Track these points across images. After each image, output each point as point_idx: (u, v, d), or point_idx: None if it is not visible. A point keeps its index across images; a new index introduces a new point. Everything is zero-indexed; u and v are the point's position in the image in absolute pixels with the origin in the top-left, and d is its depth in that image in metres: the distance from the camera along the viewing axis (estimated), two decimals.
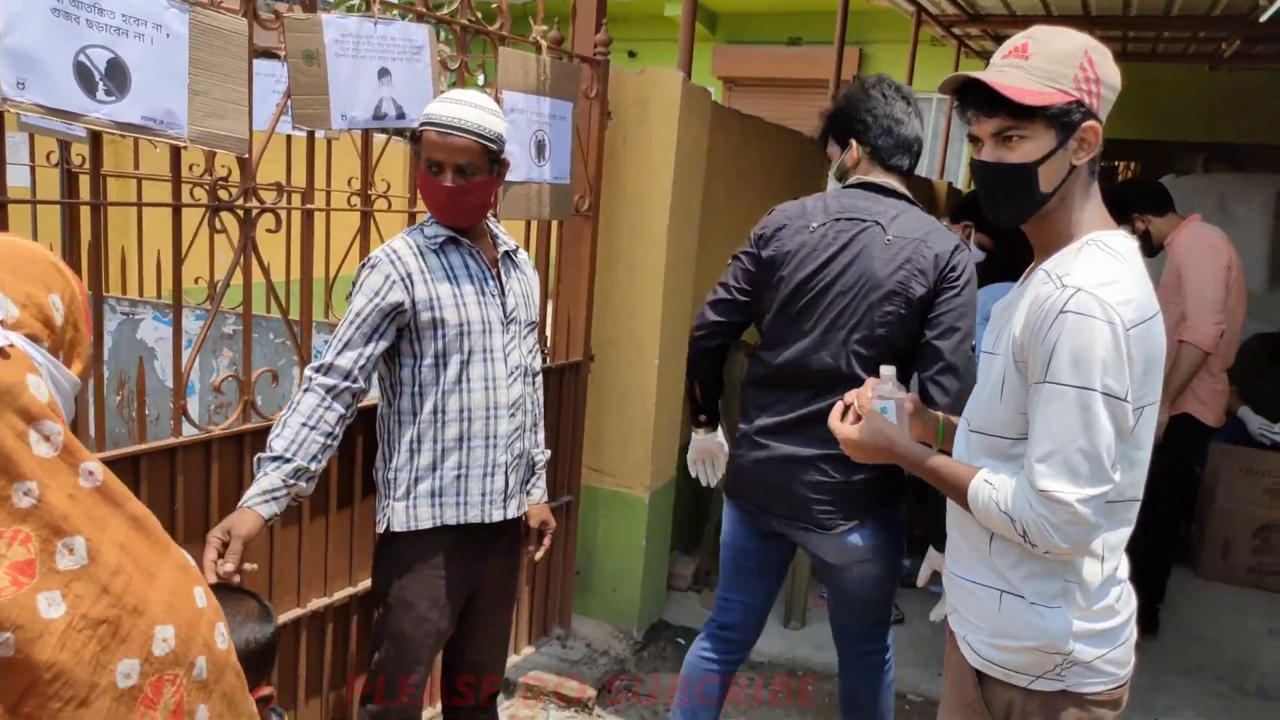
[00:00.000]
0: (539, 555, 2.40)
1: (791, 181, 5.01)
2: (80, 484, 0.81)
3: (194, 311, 3.70)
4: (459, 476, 2.13)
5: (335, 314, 2.92)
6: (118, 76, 1.80)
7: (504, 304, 2.17)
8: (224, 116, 2.02)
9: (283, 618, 2.30)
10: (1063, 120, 1.40)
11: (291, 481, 1.94)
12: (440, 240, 2.11)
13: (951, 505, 1.58)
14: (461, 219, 2.11)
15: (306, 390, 2.00)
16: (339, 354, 2.02)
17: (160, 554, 0.88)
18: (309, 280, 2.38)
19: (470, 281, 2.12)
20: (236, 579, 1.79)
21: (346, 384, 2.01)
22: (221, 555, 1.79)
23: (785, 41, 11.15)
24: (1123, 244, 1.44)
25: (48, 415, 0.82)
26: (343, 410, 2.02)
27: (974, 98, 1.43)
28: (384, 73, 2.37)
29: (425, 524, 2.12)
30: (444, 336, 2.07)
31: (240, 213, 2.14)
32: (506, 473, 2.19)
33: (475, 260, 2.15)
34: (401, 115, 2.42)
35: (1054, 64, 1.39)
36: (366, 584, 2.49)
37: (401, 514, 2.12)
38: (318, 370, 2.02)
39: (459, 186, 2.03)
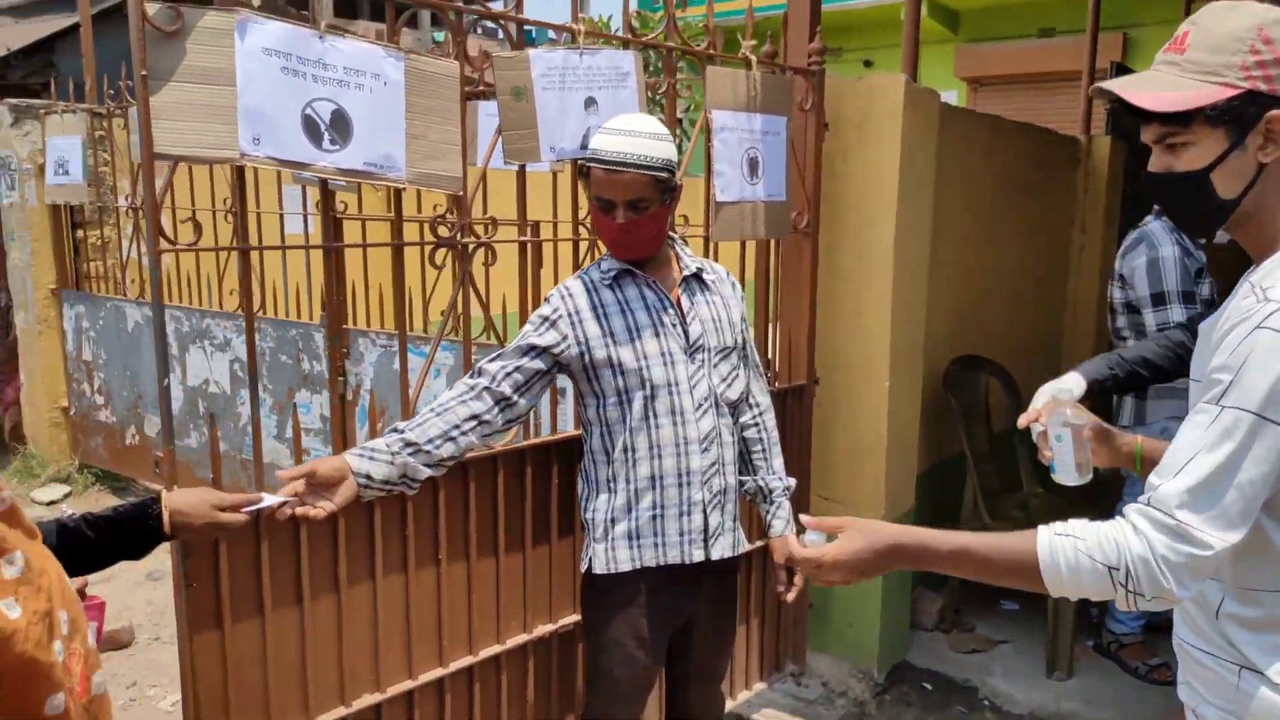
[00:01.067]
0: (790, 596, 2.20)
1: (1044, 184, 4.61)
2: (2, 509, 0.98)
3: (441, 344, 3.93)
4: (654, 517, 2.06)
5: None
6: (341, 126, 1.91)
7: (686, 332, 2.08)
8: (440, 158, 2.10)
9: (482, 654, 2.34)
10: (1231, 117, 1.18)
11: (397, 450, 1.87)
12: (614, 274, 2.06)
13: None
14: (636, 252, 2.05)
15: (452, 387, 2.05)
16: (491, 360, 2.03)
17: (43, 551, 1.02)
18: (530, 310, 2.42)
19: (647, 313, 2.05)
20: (286, 511, 1.71)
21: (487, 384, 1.99)
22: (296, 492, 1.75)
23: (1035, 34, 10.41)
24: None
25: None
26: (479, 409, 1.97)
27: (1126, 104, 1.23)
28: (590, 102, 2.38)
29: (624, 566, 2.07)
30: (622, 373, 2.03)
31: (458, 248, 2.21)
32: (705, 510, 2.09)
33: (652, 290, 2.07)
34: None
35: (1215, 54, 1.18)
36: (566, 620, 2.50)
37: (601, 556, 2.08)
38: (469, 372, 2.05)
39: (631, 222, 1.98)
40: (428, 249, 2.24)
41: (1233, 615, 1.22)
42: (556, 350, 2.03)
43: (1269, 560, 1.19)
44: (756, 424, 2.26)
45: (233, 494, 1.64)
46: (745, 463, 2.27)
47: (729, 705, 2.90)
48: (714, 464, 2.11)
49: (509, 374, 2.01)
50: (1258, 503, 1.12)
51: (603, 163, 1.95)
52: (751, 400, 2.26)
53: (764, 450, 2.27)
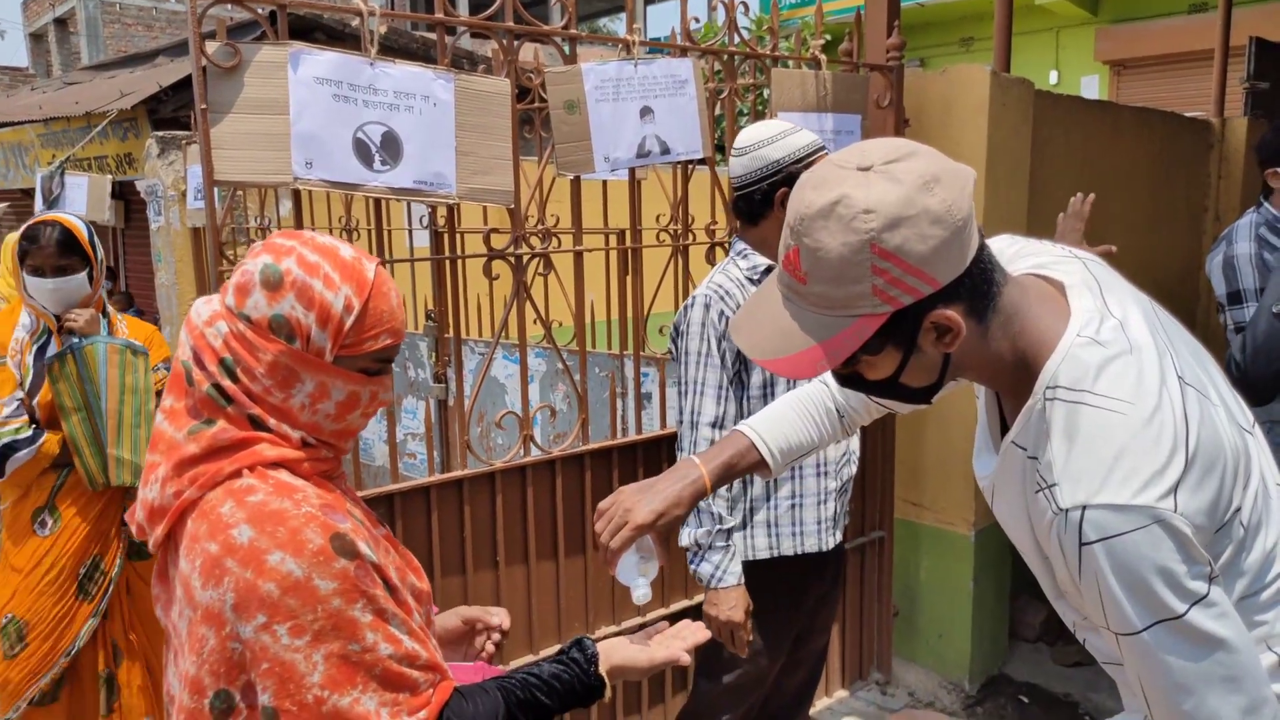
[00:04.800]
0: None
1: (1170, 172, 4.32)
2: None
3: (534, 350, 4.04)
4: (793, 506, 2.14)
5: (653, 347, 3.03)
6: (391, 147, 2.02)
7: None
8: (490, 172, 2.17)
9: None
10: (890, 338, 1.00)
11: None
12: (761, 270, 2.11)
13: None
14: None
15: None
16: (716, 402, 2.05)
17: None
18: (581, 316, 2.47)
19: None
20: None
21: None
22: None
23: (1186, 10, 9.76)
24: (1090, 360, 0.99)
25: None
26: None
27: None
28: (646, 111, 2.42)
29: (763, 554, 2.14)
30: None
31: (511, 260, 2.29)
32: (836, 499, 2.19)
33: None
34: (666, 150, 2.45)
35: (838, 286, 0.97)
36: (678, 605, 2.63)
37: (739, 544, 2.12)
38: (713, 426, 2.05)
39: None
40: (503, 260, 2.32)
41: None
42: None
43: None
44: None
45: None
46: None
47: (810, 710, 2.88)
48: (845, 453, 2.22)
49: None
50: (1249, 654, 0.96)
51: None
52: None
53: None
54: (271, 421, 1.12)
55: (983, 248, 1.01)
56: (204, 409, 1.11)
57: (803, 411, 1.51)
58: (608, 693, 1.25)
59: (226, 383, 1.10)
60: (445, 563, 2.22)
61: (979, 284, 1.00)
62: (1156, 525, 0.91)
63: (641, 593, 1.34)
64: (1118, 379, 0.97)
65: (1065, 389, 0.99)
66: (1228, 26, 4.96)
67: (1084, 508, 0.93)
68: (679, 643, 1.33)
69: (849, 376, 1.09)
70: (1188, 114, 4.60)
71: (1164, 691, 0.96)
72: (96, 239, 2.46)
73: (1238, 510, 1.00)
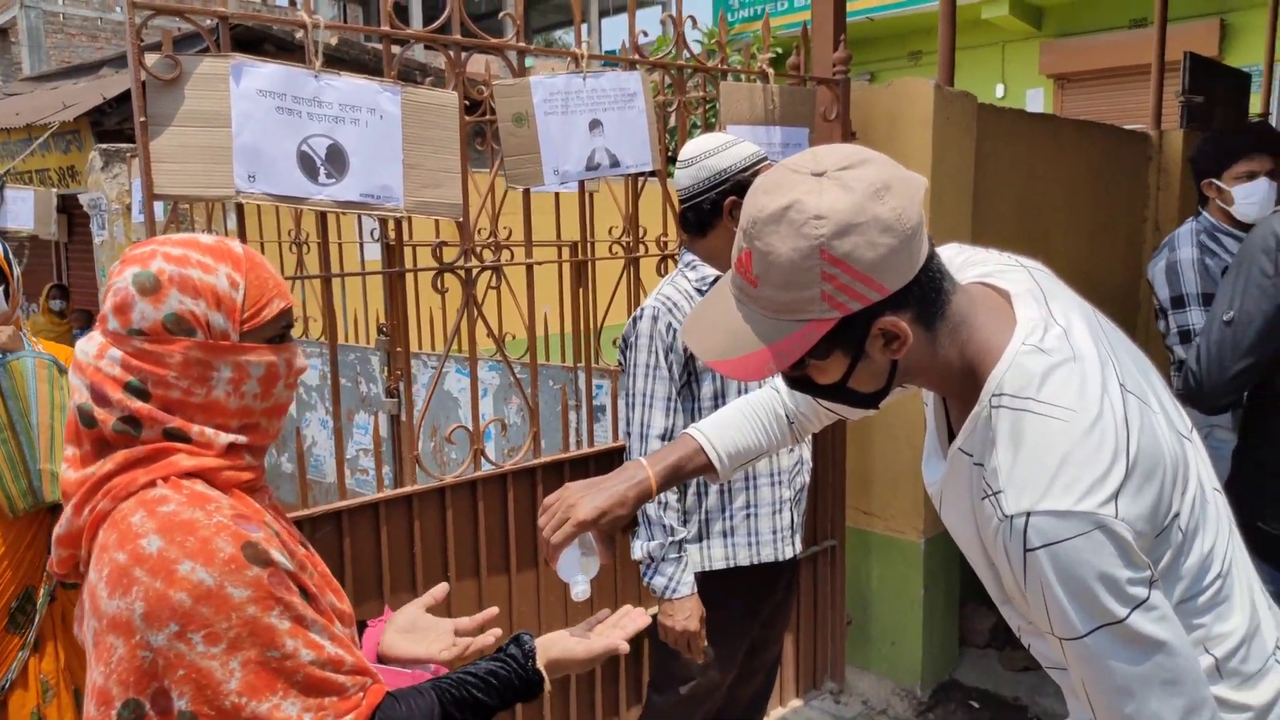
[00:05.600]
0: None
1: (1111, 183, 4.43)
2: None
3: (487, 364, 4.02)
4: (749, 515, 2.15)
5: (605, 360, 3.03)
6: (337, 160, 2.00)
7: None
8: (438, 185, 2.16)
9: None
10: (838, 343, 1.02)
11: None
12: (709, 281, 2.13)
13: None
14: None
15: None
16: (665, 414, 2.06)
17: None
18: (533, 329, 2.47)
19: None
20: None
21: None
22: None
23: (1126, 25, 10.03)
24: (1034, 368, 1.00)
25: None
26: None
27: None
28: (595, 124, 2.42)
29: (719, 564, 2.15)
30: (720, 376, 2.09)
31: (461, 273, 2.28)
32: (791, 508, 2.21)
33: None
34: (616, 163, 2.46)
35: (787, 290, 0.98)
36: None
37: (695, 555, 2.13)
38: (662, 439, 2.07)
39: None
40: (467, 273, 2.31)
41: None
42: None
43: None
44: None
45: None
46: None
47: None
48: (798, 462, 2.23)
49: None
50: (1189, 658, 0.98)
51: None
52: None
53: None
54: (194, 429, 1.11)
55: (932, 256, 1.03)
56: (114, 444, 1.10)
57: (751, 416, 1.52)
58: (547, 686, 1.25)
59: (136, 405, 1.09)
60: (395, 579, 2.20)
61: (927, 292, 1.02)
62: (1098, 531, 0.93)
63: (580, 589, 1.33)
64: (1061, 387, 0.99)
65: (1010, 396, 1.00)
66: (1163, 42, 5.10)
67: (1028, 514, 0.95)
68: (618, 632, 1.33)
69: (798, 380, 1.10)
70: (1128, 126, 4.72)
71: (1107, 695, 0.98)
72: (12, 255, 2.39)
73: (1176, 515, 1.02)
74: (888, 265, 0.97)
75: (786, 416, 1.54)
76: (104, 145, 5.23)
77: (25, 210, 5.97)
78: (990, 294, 1.11)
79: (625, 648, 1.31)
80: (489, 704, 1.19)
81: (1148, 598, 0.95)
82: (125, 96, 5.92)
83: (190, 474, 1.10)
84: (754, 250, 0.99)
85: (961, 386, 1.07)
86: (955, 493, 1.10)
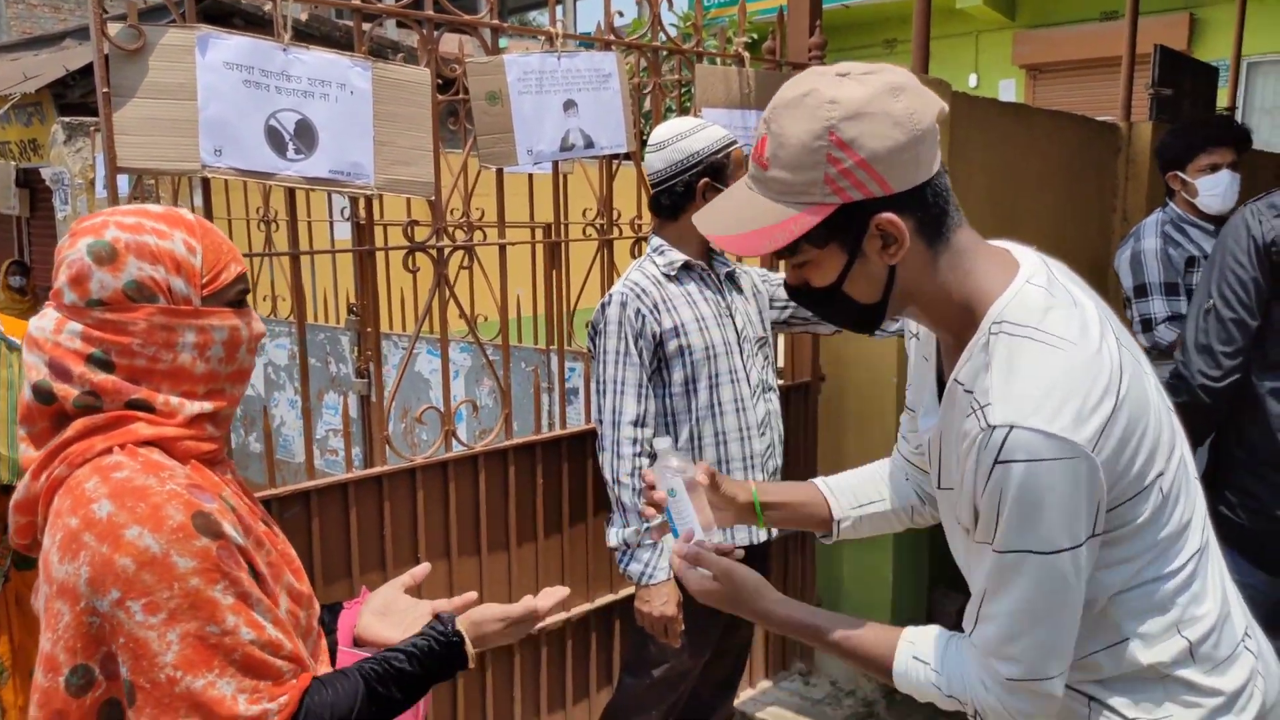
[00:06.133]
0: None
1: (1081, 173, 4.47)
2: None
3: (459, 345, 3.99)
4: None
5: (578, 342, 3.02)
6: (306, 136, 1.97)
7: (735, 323, 2.19)
8: (410, 163, 2.14)
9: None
10: (836, 234, 1.03)
11: None
12: (677, 266, 2.13)
13: None
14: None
15: (639, 454, 2.07)
16: (637, 400, 2.07)
17: None
18: (505, 310, 2.45)
19: (708, 304, 2.15)
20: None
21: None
22: None
23: (1098, 17, 10.10)
24: (1037, 302, 1.02)
25: None
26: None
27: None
28: (570, 104, 2.40)
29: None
30: (691, 362, 2.09)
31: (433, 253, 2.26)
32: None
33: (711, 282, 2.18)
34: (590, 144, 2.44)
35: (795, 171, 1.01)
36: (603, 600, 2.64)
37: (669, 541, 2.12)
38: (635, 425, 2.07)
39: None
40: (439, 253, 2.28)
41: (1078, 680, 1.12)
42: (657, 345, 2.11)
43: (1101, 628, 1.09)
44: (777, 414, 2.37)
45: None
46: None
47: (734, 700, 2.90)
48: (769, 447, 2.23)
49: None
50: (1079, 610, 1.02)
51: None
52: None
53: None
54: (160, 399, 1.10)
55: (941, 175, 1.05)
56: (74, 420, 1.09)
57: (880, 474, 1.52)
58: (469, 648, 1.26)
59: (100, 377, 1.08)
60: (365, 560, 2.18)
61: (931, 207, 1.04)
62: (1080, 461, 0.95)
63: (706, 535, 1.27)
64: (1064, 321, 1.01)
65: (1011, 324, 1.02)
66: (1134, 34, 5.14)
67: (1012, 426, 0.95)
68: (543, 599, 1.35)
69: (798, 289, 1.11)
70: (1099, 117, 4.76)
71: (1003, 608, 1.02)
72: None
73: (1160, 475, 1.04)
74: (894, 160, 0.99)
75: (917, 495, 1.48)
76: (67, 119, 5.13)
77: None
78: (994, 246, 1.14)
79: (544, 605, 1.34)
80: (412, 672, 1.20)
81: (1083, 544, 0.98)
82: (89, 69, 5.79)
83: (148, 442, 1.09)
84: (769, 134, 1.04)
85: (959, 321, 1.08)
86: (951, 430, 1.10)
